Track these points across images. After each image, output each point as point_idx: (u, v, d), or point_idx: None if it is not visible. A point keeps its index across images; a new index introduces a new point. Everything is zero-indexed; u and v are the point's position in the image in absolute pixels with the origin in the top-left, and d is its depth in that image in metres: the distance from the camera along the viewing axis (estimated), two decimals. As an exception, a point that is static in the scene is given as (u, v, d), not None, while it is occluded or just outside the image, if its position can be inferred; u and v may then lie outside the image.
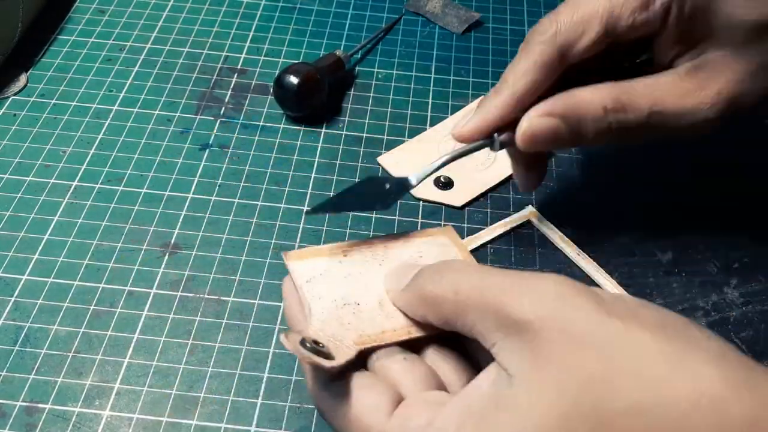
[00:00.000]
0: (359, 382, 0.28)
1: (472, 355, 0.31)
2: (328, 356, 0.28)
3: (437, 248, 0.34)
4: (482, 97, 0.40)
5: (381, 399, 0.28)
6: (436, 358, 0.30)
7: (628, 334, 0.24)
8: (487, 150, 0.51)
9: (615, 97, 0.38)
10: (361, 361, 0.30)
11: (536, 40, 0.39)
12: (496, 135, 0.39)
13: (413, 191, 0.48)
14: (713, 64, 0.38)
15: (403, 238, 0.35)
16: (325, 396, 0.29)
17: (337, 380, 0.29)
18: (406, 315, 0.31)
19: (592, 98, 0.38)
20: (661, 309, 0.26)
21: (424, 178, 0.38)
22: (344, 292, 0.32)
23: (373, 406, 0.27)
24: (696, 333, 0.25)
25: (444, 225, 0.37)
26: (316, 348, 0.28)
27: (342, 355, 0.28)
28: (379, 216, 0.47)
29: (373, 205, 0.36)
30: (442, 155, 0.39)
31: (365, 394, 0.28)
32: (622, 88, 0.38)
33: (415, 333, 0.30)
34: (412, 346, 0.30)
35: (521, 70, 0.38)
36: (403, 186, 0.38)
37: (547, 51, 0.38)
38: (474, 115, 0.39)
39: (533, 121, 0.38)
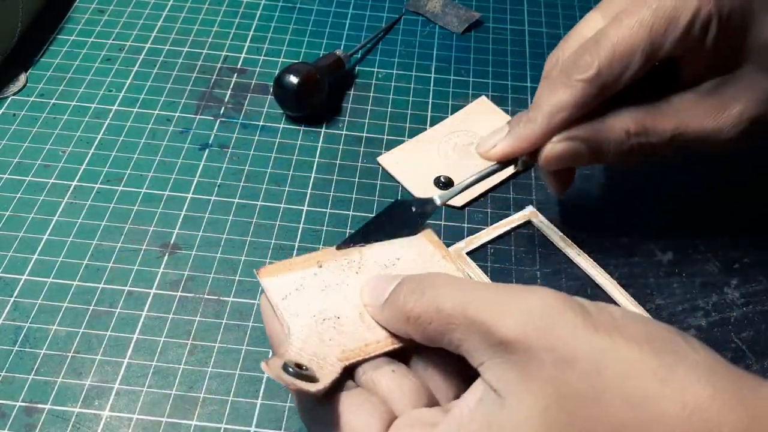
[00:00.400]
0: (348, 402, 0.28)
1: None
2: (312, 379, 0.27)
3: (415, 251, 0.34)
4: (515, 117, 0.40)
5: (371, 421, 0.27)
6: (424, 366, 0.30)
7: (615, 350, 0.24)
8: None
9: (638, 121, 0.38)
10: (348, 374, 0.29)
11: (577, 77, 0.38)
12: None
13: (414, 191, 0.48)
14: (738, 83, 0.38)
15: (379, 242, 0.34)
16: (314, 419, 0.28)
17: (324, 402, 0.28)
18: None
19: (614, 121, 0.38)
20: (648, 321, 0.26)
21: (448, 200, 0.39)
22: (322, 305, 0.31)
23: (364, 429, 0.27)
24: (683, 345, 0.24)
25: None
26: (299, 372, 0.27)
27: (327, 376, 0.28)
28: (379, 216, 0.47)
29: (401, 230, 0.36)
30: (470, 176, 0.40)
31: (356, 417, 0.27)
32: (646, 111, 0.38)
33: (399, 343, 0.30)
34: (398, 354, 0.30)
35: (559, 105, 0.38)
36: (427, 207, 0.38)
37: (588, 90, 0.38)
38: (506, 138, 0.39)
39: (556, 146, 0.39)
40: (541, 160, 0.39)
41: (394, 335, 0.30)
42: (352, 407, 0.28)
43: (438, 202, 0.38)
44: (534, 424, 0.24)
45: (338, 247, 0.34)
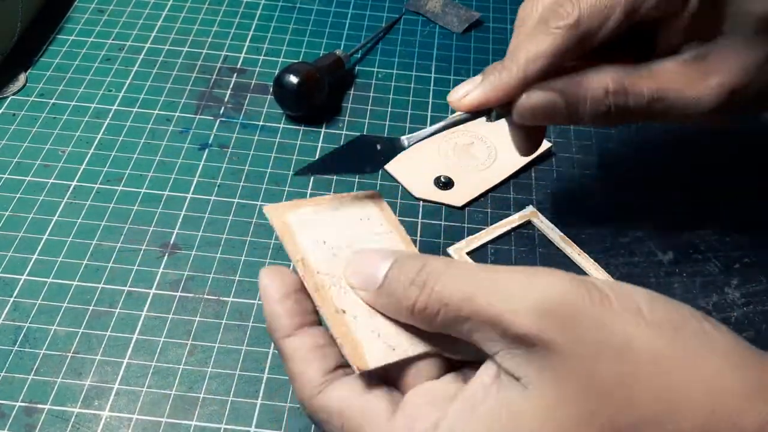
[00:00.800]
0: (350, 389, 0.27)
1: None
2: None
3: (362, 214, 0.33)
4: (489, 66, 0.38)
5: (380, 407, 0.27)
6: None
7: (641, 338, 0.23)
8: (487, 150, 0.51)
9: (617, 79, 0.37)
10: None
11: (556, 24, 0.36)
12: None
13: (414, 191, 0.48)
14: (720, 53, 0.37)
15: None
16: (316, 406, 0.28)
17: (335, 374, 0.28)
18: None
19: (594, 78, 0.37)
20: (673, 304, 0.25)
21: (416, 142, 0.37)
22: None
23: (373, 415, 0.27)
24: (711, 331, 0.24)
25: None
26: None
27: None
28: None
29: (363, 167, 0.35)
30: (439, 123, 0.38)
31: (361, 403, 0.27)
32: (626, 71, 0.37)
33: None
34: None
35: (536, 53, 0.37)
36: (394, 147, 0.36)
37: (568, 37, 0.36)
38: (478, 87, 0.38)
39: (531, 95, 0.37)
40: (515, 112, 0.38)
41: None
42: (355, 392, 0.27)
43: (405, 143, 0.37)
44: (557, 412, 0.24)
45: (295, 174, 0.34)
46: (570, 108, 0.37)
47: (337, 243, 0.31)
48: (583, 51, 0.37)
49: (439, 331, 0.27)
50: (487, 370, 0.26)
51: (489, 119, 0.39)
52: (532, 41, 0.37)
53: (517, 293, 0.25)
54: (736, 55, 0.37)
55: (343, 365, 0.28)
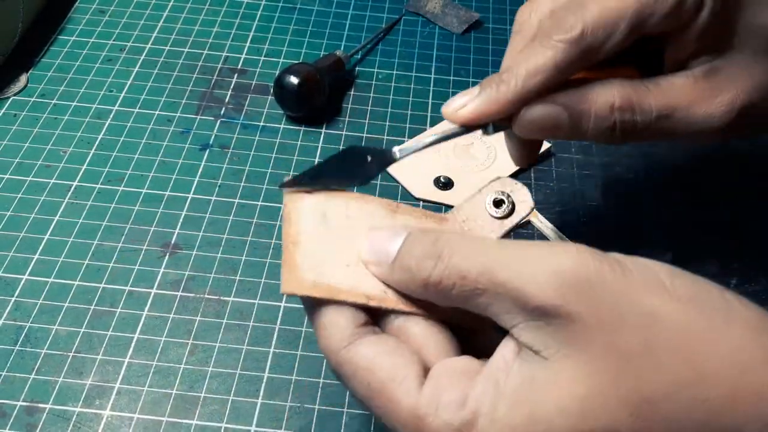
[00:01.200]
0: (380, 346, 0.27)
1: None
2: None
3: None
4: (487, 79, 0.36)
5: (409, 370, 0.26)
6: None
7: (665, 311, 0.23)
8: (487, 150, 0.51)
9: (624, 95, 0.35)
10: (372, 317, 0.29)
11: (559, 36, 0.34)
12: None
13: (414, 192, 0.48)
14: (730, 68, 0.36)
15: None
16: (342, 362, 0.27)
17: (354, 340, 0.27)
18: None
19: (600, 93, 0.35)
20: (696, 278, 0.25)
21: (408, 154, 0.36)
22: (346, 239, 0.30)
23: (401, 377, 0.26)
24: (735, 303, 0.24)
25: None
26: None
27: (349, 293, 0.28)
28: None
29: (353, 178, 0.34)
30: (432, 134, 0.37)
31: (390, 361, 0.26)
32: (632, 86, 0.36)
33: (415, 307, 0.29)
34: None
35: (537, 66, 0.35)
36: (385, 159, 0.35)
37: (570, 51, 0.35)
38: (475, 100, 0.36)
39: (533, 110, 0.35)
40: (516, 125, 0.36)
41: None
42: (386, 351, 0.27)
43: (397, 155, 0.35)
44: (582, 382, 0.24)
45: (281, 186, 0.32)
46: (573, 123, 0.36)
47: (341, 225, 0.31)
48: (586, 65, 0.36)
49: (454, 305, 0.27)
50: (507, 345, 0.26)
51: (486, 132, 0.37)
52: (532, 53, 0.35)
53: (537, 265, 0.25)
54: (748, 71, 0.36)
55: (373, 323, 0.28)
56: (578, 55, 0.35)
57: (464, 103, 0.36)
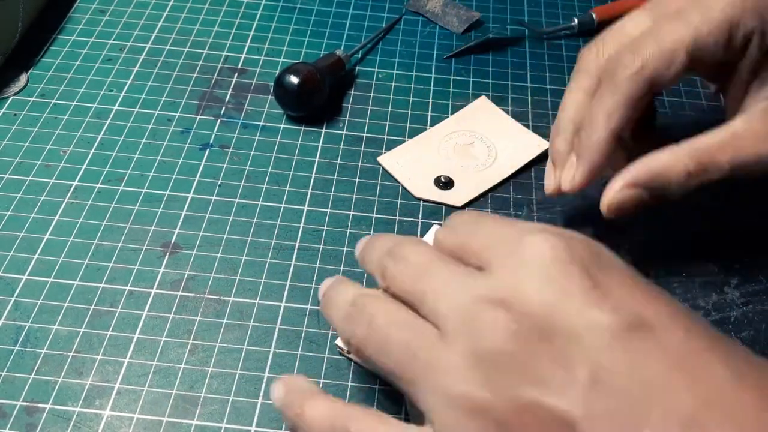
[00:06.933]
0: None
1: None
2: None
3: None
4: (559, 139, 0.41)
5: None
6: None
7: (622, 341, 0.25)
8: (488, 150, 0.51)
9: (695, 159, 0.37)
10: None
11: (623, 75, 0.38)
12: None
13: (414, 192, 0.48)
14: None
15: None
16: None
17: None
18: None
19: (673, 164, 0.38)
20: (661, 297, 0.27)
21: None
22: None
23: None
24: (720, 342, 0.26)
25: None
26: None
27: None
28: (379, 216, 0.47)
29: None
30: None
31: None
32: (700, 147, 0.38)
33: None
34: None
35: (613, 107, 0.38)
36: None
37: (636, 87, 0.38)
38: (580, 164, 0.40)
39: (618, 194, 0.39)
40: (603, 209, 0.39)
41: None
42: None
43: None
44: None
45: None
46: (655, 198, 0.39)
47: None
48: (651, 96, 0.39)
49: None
50: None
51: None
52: (605, 99, 0.38)
53: (505, 250, 0.29)
54: None
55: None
56: (646, 87, 0.38)
57: (572, 175, 0.40)
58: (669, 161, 0.38)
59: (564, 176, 0.41)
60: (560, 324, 0.25)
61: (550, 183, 0.42)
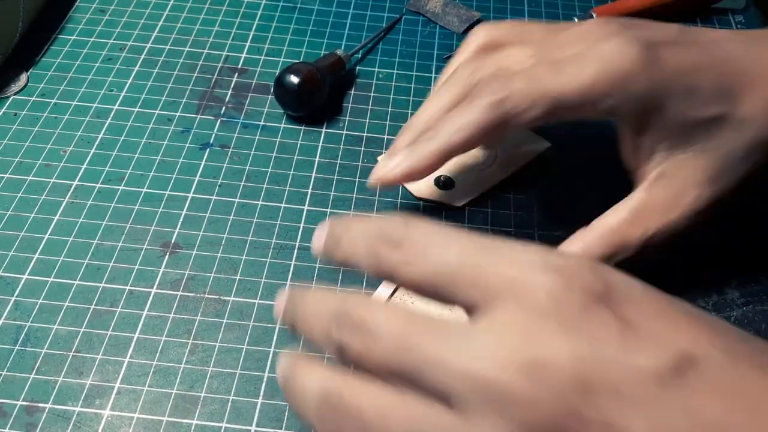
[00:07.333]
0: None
1: None
2: None
3: None
4: (406, 134, 0.41)
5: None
6: None
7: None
8: (487, 150, 0.51)
9: (608, 245, 0.38)
10: None
11: (486, 101, 0.36)
12: None
13: (414, 191, 0.48)
14: (675, 171, 0.38)
15: None
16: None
17: None
18: None
19: (597, 247, 0.38)
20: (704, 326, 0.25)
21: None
22: None
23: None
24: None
25: None
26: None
27: None
28: (379, 216, 0.47)
29: None
30: None
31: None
32: (605, 233, 0.38)
33: None
34: None
35: (464, 125, 0.37)
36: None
37: (493, 115, 0.36)
38: (408, 158, 0.39)
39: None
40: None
41: None
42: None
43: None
44: None
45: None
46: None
47: None
48: (506, 130, 0.38)
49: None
50: None
51: None
52: (459, 115, 0.38)
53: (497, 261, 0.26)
54: (695, 168, 0.38)
55: None
56: (499, 119, 0.37)
57: (396, 164, 0.39)
58: (595, 245, 0.38)
59: (390, 162, 0.39)
60: (600, 380, 0.22)
61: (375, 172, 0.40)
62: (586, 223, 0.48)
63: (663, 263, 0.44)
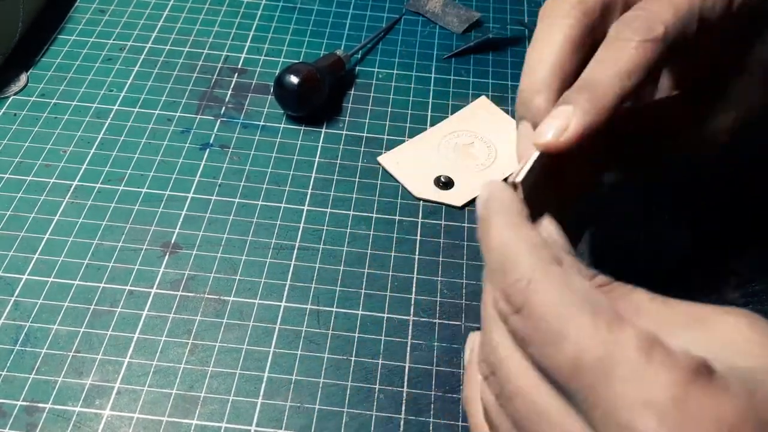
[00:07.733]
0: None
1: None
2: None
3: None
4: (569, 94, 0.31)
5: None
6: None
7: None
8: (488, 150, 0.51)
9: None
10: None
11: (642, 38, 0.31)
12: None
13: (414, 191, 0.48)
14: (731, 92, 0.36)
15: None
16: None
17: None
18: None
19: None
20: None
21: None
22: None
23: None
24: None
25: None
26: None
27: None
28: (379, 216, 0.47)
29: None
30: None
31: None
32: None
33: None
34: None
35: (629, 69, 0.31)
36: None
37: (658, 51, 0.31)
38: (579, 112, 0.30)
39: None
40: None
41: None
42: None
43: None
44: None
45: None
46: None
47: None
48: (667, 63, 0.34)
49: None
50: None
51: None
52: (616, 58, 0.31)
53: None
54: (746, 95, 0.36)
55: None
56: (665, 53, 0.31)
57: (564, 124, 0.30)
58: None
59: (556, 124, 0.30)
60: None
61: (527, 144, 0.31)
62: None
63: (663, 264, 0.44)
